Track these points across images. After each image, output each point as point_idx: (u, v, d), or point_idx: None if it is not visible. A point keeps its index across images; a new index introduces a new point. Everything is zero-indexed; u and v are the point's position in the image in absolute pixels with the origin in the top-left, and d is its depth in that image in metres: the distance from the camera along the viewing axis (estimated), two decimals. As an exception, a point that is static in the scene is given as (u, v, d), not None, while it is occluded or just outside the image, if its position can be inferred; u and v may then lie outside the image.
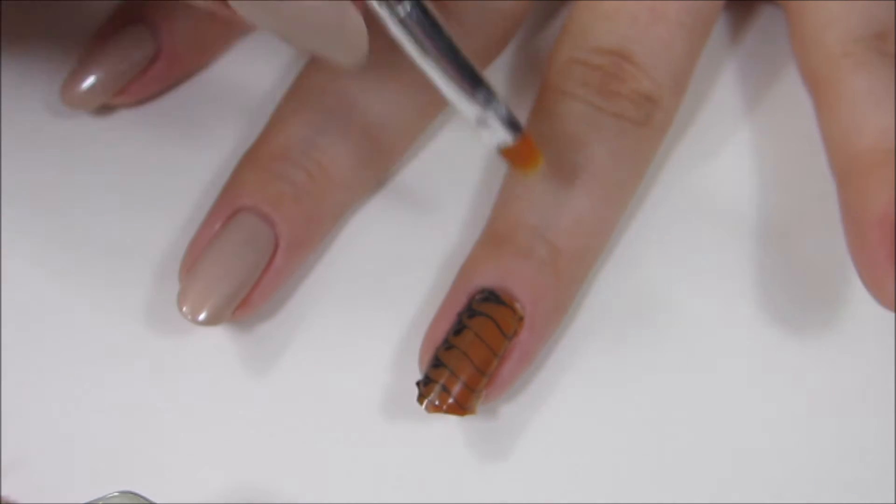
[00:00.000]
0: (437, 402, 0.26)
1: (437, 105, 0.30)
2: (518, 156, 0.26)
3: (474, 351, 0.27)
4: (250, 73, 0.32)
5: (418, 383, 0.27)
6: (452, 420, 0.28)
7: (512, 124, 0.24)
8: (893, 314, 0.30)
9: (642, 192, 0.31)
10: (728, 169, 0.32)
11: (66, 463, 0.28)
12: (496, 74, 0.32)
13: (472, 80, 0.24)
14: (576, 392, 0.29)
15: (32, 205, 0.30)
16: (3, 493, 0.27)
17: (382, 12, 0.23)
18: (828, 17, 0.29)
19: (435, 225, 0.30)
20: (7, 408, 0.28)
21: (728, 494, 0.28)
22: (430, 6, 0.23)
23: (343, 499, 0.28)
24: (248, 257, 0.27)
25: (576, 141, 0.28)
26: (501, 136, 0.25)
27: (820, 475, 0.28)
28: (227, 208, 0.28)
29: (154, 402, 0.29)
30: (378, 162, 0.30)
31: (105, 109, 0.31)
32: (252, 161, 0.29)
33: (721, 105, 0.32)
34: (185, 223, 0.30)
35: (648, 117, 0.29)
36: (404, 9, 0.23)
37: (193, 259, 0.28)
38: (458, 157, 0.31)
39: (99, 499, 0.25)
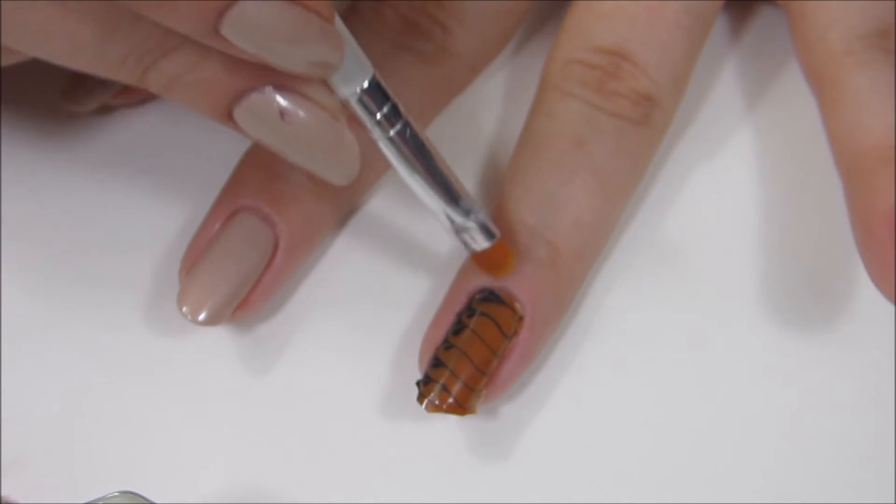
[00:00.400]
0: (437, 402, 0.26)
1: (436, 105, 0.30)
2: (492, 259, 0.27)
3: (474, 350, 0.27)
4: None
5: (418, 383, 0.27)
6: (452, 420, 0.28)
7: (489, 232, 0.26)
8: (894, 314, 0.30)
9: (642, 192, 0.31)
10: (728, 168, 0.32)
11: (66, 463, 0.28)
12: (496, 74, 0.32)
13: (454, 194, 0.25)
14: (576, 392, 0.29)
15: (32, 204, 0.30)
16: (3, 493, 0.27)
17: (373, 131, 0.24)
18: (830, 17, 0.29)
19: (435, 225, 0.30)
20: (7, 408, 0.28)
21: (728, 494, 0.28)
22: (419, 127, 0.25)
23: (343, 499, 0.28)
24: (249, 257, 0.27)
25: (575, 140, 0.28)
26: (479, 242, 0.26)
27: (820, 475, 0.28)
28: (227, 208, 0.28)
29: (154, 402, 0.29)
30: (377, 161, 0.29)
31: (105, 109, 0.31)
32: (252, 161, 0.29)
33: (721, 105, 0.32)
34: (186, 223, 0.30)
35: (647, 117, 0.29)
36: (394, 129, 0.24)
37: (193, 259, 0.28)
38: (458, 156, 0.31)
39: (99, 499, 0.25)
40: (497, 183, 0.30)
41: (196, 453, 0.28)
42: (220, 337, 0.29)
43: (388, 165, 0.30)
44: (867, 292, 0.30)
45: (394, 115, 0.24)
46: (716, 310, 0.30)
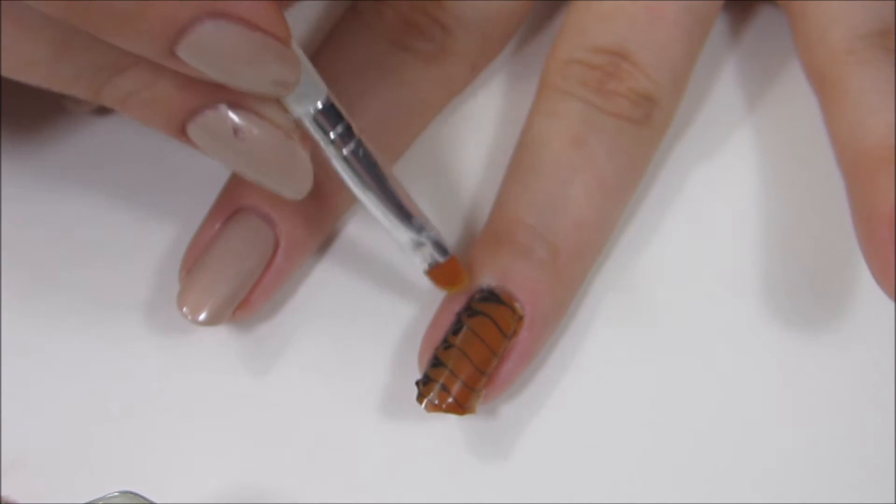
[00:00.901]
0: (436, 402, 0.26)
1: (436, 105, 0.30)
2: (445, 275, 0.27)
3: (473, 350, 0.27)
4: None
5: (418, 383, 0.27)
6: (452, 419, 0.28)
7: (441, 249, 0.27)
8: (894, 313, 0.30)
9: (642, 191, 0.31)
10: (728, 168, 0.32)
11: (66, 463, 0.28)
12: (496, 74, 0.32)
13: (406, 212, 0.26)
14: (575, 392, 0.29)
15: (32, 204, 0.30)
16: (3, 493, 0.27)
17: (327, 149, 0.25)
18: (831, 16, 0.29)
19: (434, 223, 0.30)
20: (7, 408, 0.28)
21: (728, 494, 0.28)
22: (372, 147, 0.25)
23: (343, 499, 0.28)
24: (249, 257, 0.27)
25: (574, 140, 0.28)
26: (432, 259, 0.27)
27: (820, 475, 0.28)
28: (227, 208, 0.28)
29: (154, 401, 0.29)
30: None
31: (105, 109, 0.31)
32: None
33: (721, 105, 0.32)
34: (186, 223, 0.30)
35: (647, 116, 0.29)
36: (347, 148, 0.25)
37: (194, 259, 0.28)
38: (458, 156, 0.31)
39: (99, 499, 0.25)
40: (497, 183, 0.30)
41: (196, 453, 0.28)
42: (221, 337, 0.29)
43: (389, 165, 0.31)
44: (868, 292, 0.30)
45: (347, 134, 0.24)
46: (716, 309, 0.30)
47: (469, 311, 0.27)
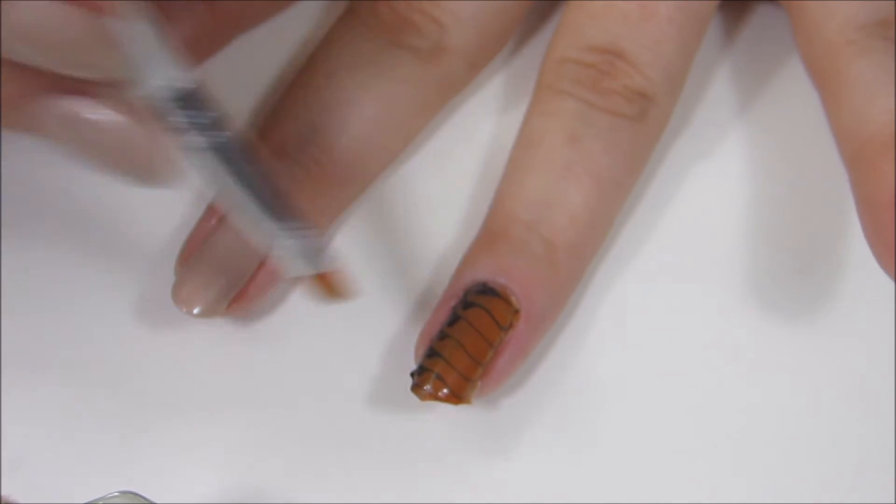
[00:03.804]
0: (431, 391, 0.26)
1: (434, 104, 0.30)
2: (325, 284, 0.26)
3: (469, 340, 0.27)
4: (248, 72, 0.32)
5: (413, 373, 0.27)
6: (452, 419, 0.28)
7: (316, 257, 0.25)
8: (894, 312, 0.30)
9: (640, 189, 0.31)
10: (726, 167, 0.32)
11: (66, 463, 0.28)
12: (494, 74, 0.32)
13: (278, 214, 0.24)
14: (573, 388, 0.29)
15: (30, 200, 0.30)
16: (3, 493, 0.27)
17: (184, 139, 0.23)
18: (829, 9, 0.29)
19: (433, 222, 0.30)
20: (7, 408, 0.28)
21: (727, 492, 0.28)
22: (243, 142, 0.23)
23: (343, 497, 0.28)
24: (245, 252, 0.28)
25: (569, 137, 0.28)
26: (311, 265, 0.25)
27: (820, 475, 0.28)
28: None
29: (154, 401, 0.29)
30: (375, 159, 0.30)
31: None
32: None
33: (718, 103, 0.32)
34: (183, 218, 0.30)
35: (643, 113, 0.29)
36: (205, 140, 0.23)
37: (190, 253, 0.28)
38: (457, 154, 0.31)
39: (99, 499, 0.25)
40: (495, 183, 0.30)
41: (196, 453, 0.28)
42: (220, 337, 0.29)
43: (386, 163, 0.31)
44: (868, 291, 0.30)
45: (207, 126, 0.23)
46: (715, 307, 0.30)
47: (465, 303, 0.27)
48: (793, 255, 0.30)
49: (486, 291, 0.27)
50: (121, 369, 0.29)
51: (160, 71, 0.22)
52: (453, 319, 0.27)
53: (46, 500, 0.27)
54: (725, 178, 0.31)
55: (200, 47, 0.31)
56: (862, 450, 0.28)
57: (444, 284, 0.28)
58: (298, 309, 0.30)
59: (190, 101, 0.23)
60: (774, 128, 0.32)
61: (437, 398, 0.26)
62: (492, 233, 0.28)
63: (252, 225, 0.24)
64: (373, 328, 0.29)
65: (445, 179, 0.31)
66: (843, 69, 0.28)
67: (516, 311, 0.27)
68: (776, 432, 0.29)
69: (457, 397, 0.26)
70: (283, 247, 0.24)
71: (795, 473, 0.28)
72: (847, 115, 0.28)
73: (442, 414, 0.28)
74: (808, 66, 0.30)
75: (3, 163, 0.31)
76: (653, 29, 0.29)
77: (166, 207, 0.30)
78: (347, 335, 0.29)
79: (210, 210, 0.28)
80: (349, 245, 0.30)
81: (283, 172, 0.28)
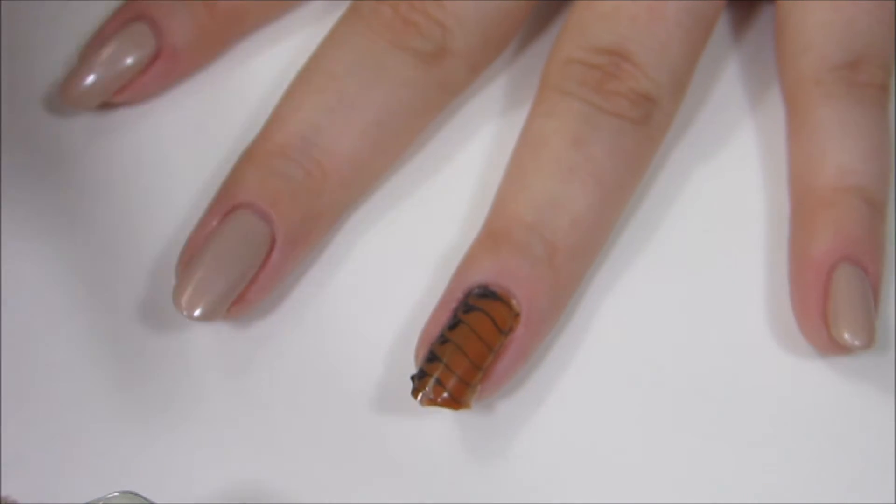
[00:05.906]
0: (431, 396, 0.26)
1: (436, 106, 0.30)
2: None
3: (469, 345, 0.27)
4: (250, 72, 0.32)
5: (413, 377, 0.27)
6: (449, 418, 0.28)
7: None
8: (894, 312, 0.30)
9: (642, 191, 0.31)
10: (729, 169, 0.32)
11: (66, 463, 0.28)
12: (497, 75, 0.32)
13: None
14: (574, 391, 0.29)
15: (31, 202, 0.30)
16: (3, 493, 0.27)
17: None
18: (806, 41, 0.30)
19: (433, 223, 0.30)
20: (7, 408, 0.28)
21: (727, 493, 0.28)
22: None
23: (343, 498, 0.28)
24: (245, 254, 0.27)
25: (574, 139, 0.28)
26: None
27: (820, 475, 0.28)
28: (224, 205, 0.28)
29: (154, 401, 0.29)
30: (377, 161, 0.30)
31: (105, 107, 0.31)
32: (251, 158, 0.29)
33: (722, 105, 0.32)
34: (183, 220, 0.30)
35: (647, 116, 0.29)
36: None
37: (190, 255, 0.28)
38: (457, 155, 0.31)
39: (99, 499, 0.25)
40: (497, 184, 0.30)
41: (196, 453, 0.28)
42: (220, 336, 0.29)
43: (387, 164, 0.31)
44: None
45: None
46: (715, 309, 0.30)
47: (465, 306, 0.27)
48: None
49: (487, 294, 0.27)
50: (121, 370, 0.29)
51: None
52: (454, 323, 0.27)
53: (46, 500, 0.27)
54: (728, 180, 0.31)
55: (204, 47, 0.31)
56: (862, 450, 0.28)
57: (444, 285, 0.28)
58: (299, 309, 0.30)
59: None
60: (779, 129, 0.32)
61: (436, 403, 0.26)
62: (493, 233, 0.28)
63: None
64: (373, 328, 0.29)
65: (446, 179, 0.31)
66: (806, 109, 0.29)
67: (517, 315, 0.27)
68: (776, 432, 0.29)
69: (456, 402, 0.26)
70: None
71: (795, 473, 0.28)
72: (801, 160, 0.29)
73: (441, 415, 0.28)
74: (781, 86, 0.31)
75: (3, 163, 0.31)
76: (660, 31, 0.29)
77: (167, 208, 0.30)
78: (348, 335, 0.29)
79: (210, 213, 0.28)
80: (350, 245, 0.30)
81: (284, 173, 0.28)
